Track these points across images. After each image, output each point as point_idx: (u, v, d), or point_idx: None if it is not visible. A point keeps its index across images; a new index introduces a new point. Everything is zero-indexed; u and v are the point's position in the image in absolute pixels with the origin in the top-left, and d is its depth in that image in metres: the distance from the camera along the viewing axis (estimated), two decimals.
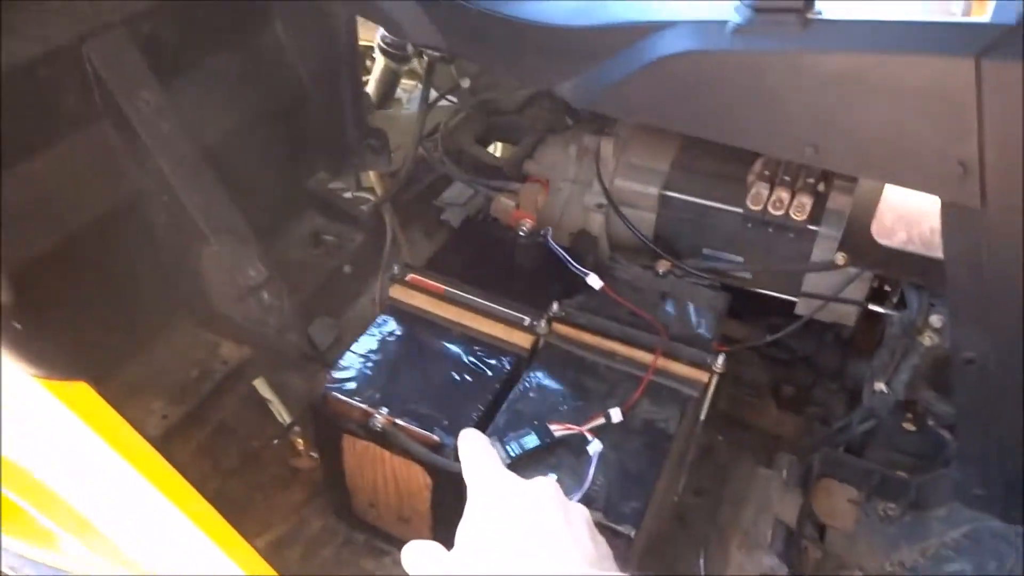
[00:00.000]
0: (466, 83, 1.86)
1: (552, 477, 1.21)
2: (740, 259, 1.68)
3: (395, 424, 1.30)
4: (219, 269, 1.47)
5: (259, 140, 1.67)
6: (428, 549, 0.69)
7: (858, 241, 1.46)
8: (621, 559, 1.21)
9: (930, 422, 1.62)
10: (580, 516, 0.71)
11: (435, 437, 1.29)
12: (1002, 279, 1.12)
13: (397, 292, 1.55)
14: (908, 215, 1.38)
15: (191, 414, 1.48)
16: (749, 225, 1.68)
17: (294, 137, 1.77)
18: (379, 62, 2.09)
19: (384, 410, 1.31)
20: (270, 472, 1.67)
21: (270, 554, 1.57)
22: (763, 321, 1.87)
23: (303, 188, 1.83)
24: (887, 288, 1.63)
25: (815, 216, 1.62)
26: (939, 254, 1.22)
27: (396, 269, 1.55)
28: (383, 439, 1.34)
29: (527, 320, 1.48)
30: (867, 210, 1.48)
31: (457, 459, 0.80)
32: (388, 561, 1.57)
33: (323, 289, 1.73)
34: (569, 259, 1.57)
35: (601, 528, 1.17)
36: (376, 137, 1.76)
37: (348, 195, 1.85)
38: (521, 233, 1.71)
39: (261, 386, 1.68)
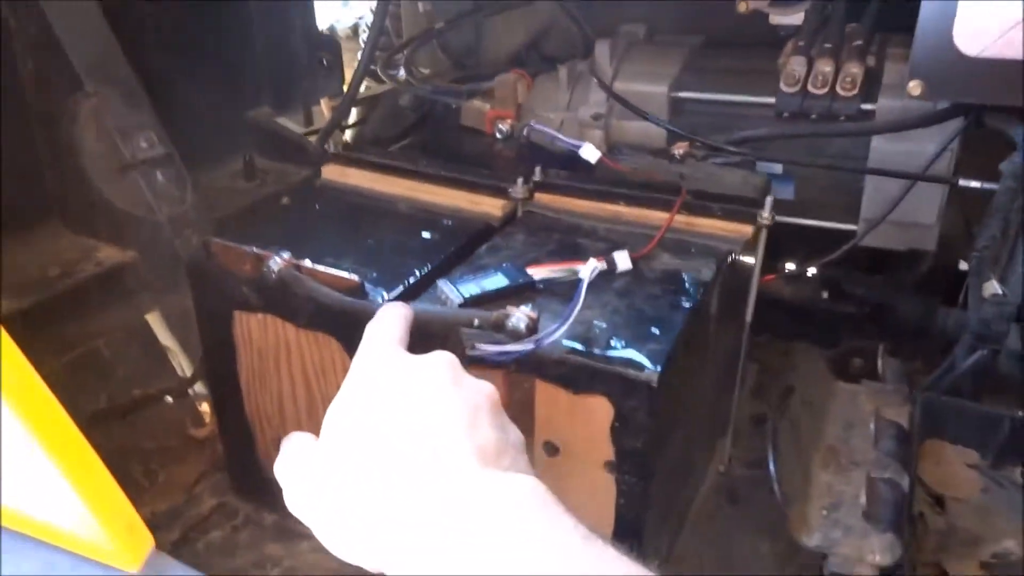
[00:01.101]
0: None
1: (526, 307, 0.79)
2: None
3: (297, 267, 0.89)
4: (98, 133, 1.13)
5: (191, 58, 1.39)
6: (297, 439, 0.57)
7: (935, 61, 1.10)
8: (640, 443, 0.75)
9: None
10: (484, 396, 0.55)
11: (353, 277, 0.87)
12: None
13: (330, 172, 1.18)
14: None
15: (37, 320, 1.07)
16: (784, 116, 1.33)
17: (233, 59, 1.50)
18: None
19: (285, 253, 0.91)
20: (157, 440, 1.22)
21: None
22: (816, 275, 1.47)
23: (242, 119, 1.52)
24: None
25: (869, 93, 1.28)
26: None
27: (331, 146, 1.20)
28: (282, 303, 0.92)
29: (500, 184, 1.10)
30: (943, 20, 1.12)
31: None
32: (304, 546, 1.08)
33: (249, 213, 1.36)
34: (559, 136, 1.21)
35: (606, 383, 0.73)
36: (329, 49, 1.48)
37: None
38: (498, 135, 1.37)
39: (158, 327, 1.27)
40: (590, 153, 1.16)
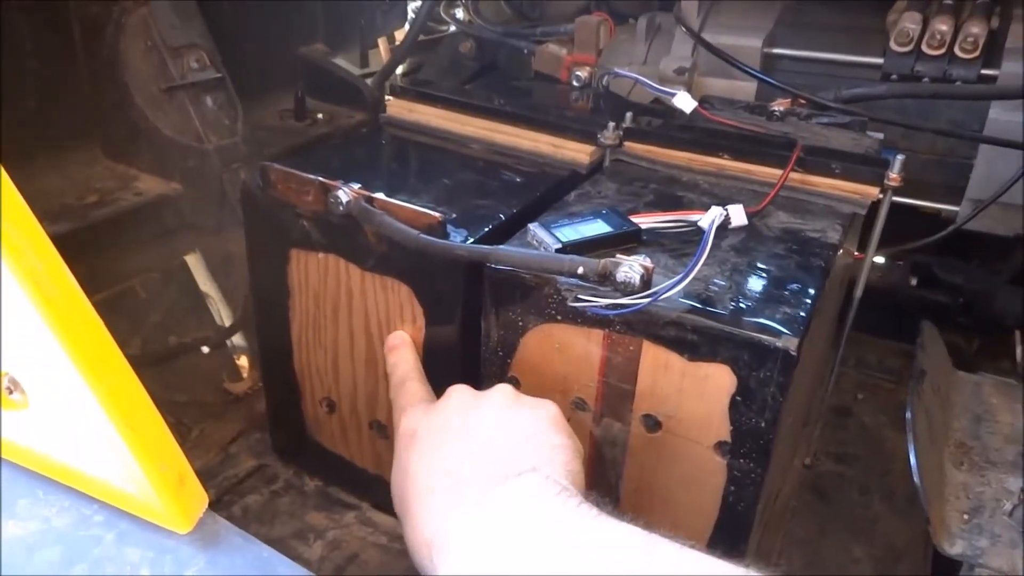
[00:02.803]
0: None
1: (639, 256, 0.67)
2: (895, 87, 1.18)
3: (369, 200, 0.78)
4: (145, 48, 1.03)
5: None
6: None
7: None
8: (765, 422, 0.64)
9: None
10: (541, 419, 0.64)
11: (435, 213, 0.76)
12: None
13: (395, 108, 1.07)
14: None
15: (67, 248, 0.97)
16: (893, 78, 1.21)
17: None
18: None
19: (355, 184, 0.80)
20: (191, 393, 1.12)
21: None
22: (906, 260, 1.35)
23: (294, 54, 1.41)
24: None
25: (990, 58, 1.16)
26: None
27: (398, 79, 1.09)
28: (348, 238, 0.81)
29: (587, 128, 0.98)
30: None
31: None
32: (350, 518, 0.98)
33: (306, 151, 1.25)
34: (649, 83, 1.09)
35: (731, 349, 0.62)
36: None
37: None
38: (575, 83, 1.25)
39: (197, 268, 1.17)
40: (685, 102, 1.04)
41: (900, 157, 0.88)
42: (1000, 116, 1.16)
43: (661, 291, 0.65)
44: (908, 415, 0.74)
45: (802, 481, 1.07)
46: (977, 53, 1.15)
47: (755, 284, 0.71)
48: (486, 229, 0.79)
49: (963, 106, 1.20)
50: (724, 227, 0.79)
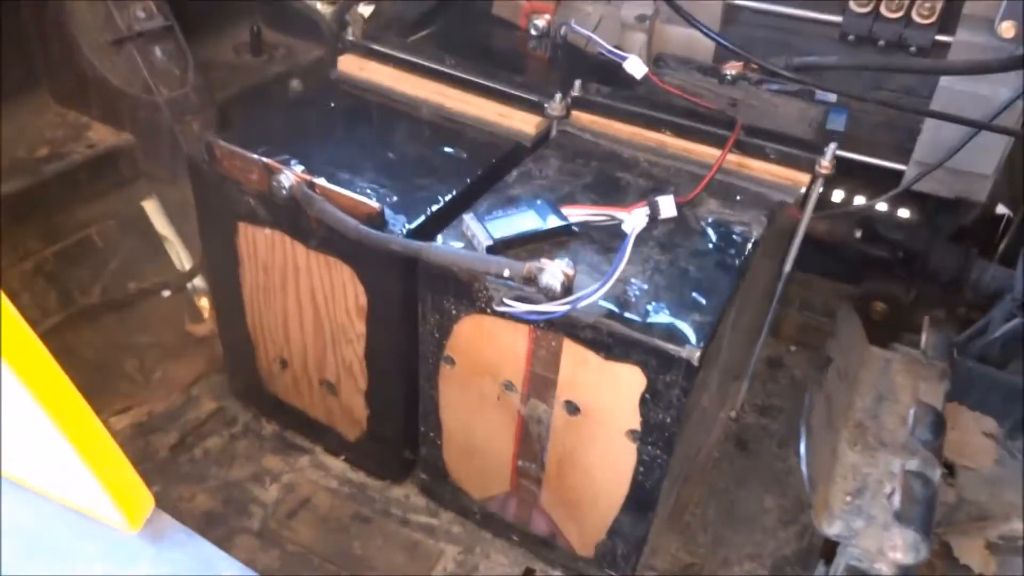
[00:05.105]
0: None
1: (561, 262, 0.71)
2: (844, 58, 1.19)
3: (311, 185, 0.81)
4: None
5: None
6: None
7: None
8: (670, 418, 0.71)
9: None
10: None
11: (373, 203, 0.79)
12: None
13: (347, 64, 1.07)
14: None
15: (22, 208, 0.99)
16: (851, 38, 1.21)
17: None
18: None
19: (297, 166, 0.82)
20: (153, 334, 1.16)
21: (131, 438, 1.06)
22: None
23: None
24: None
25: (947, 25, 1.16)
26: None
27: (350, 34, 1.08)
28: (292, 222, 0.84)
29: (534, 98, 0.99)
30: None
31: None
32: (304, 461, 1.05)
33: (257, 97, 1.25)
34: (602, 43, 1.08)
35: (641, 354, 0.68)
36: None
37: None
38: (533, 31, 1.24)
39: (154, 212, 1.19)
40: (636, 67, 1.05)
41: (832, 147, 0.91)
42: (949, 84, 1.17)
43: (578, 300, 0.69)
44: (806, 403, 0.80)
45: (727, 433, 1.15)
46: (933, 19, 1.14)
47: (672, 287, 0.75)
48: (423, 216, 0.82)
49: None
50: (655, 218, 0.83)
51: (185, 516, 0.97)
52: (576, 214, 0.81)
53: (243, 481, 1.02)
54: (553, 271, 0.70)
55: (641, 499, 0.80)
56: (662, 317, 0.71)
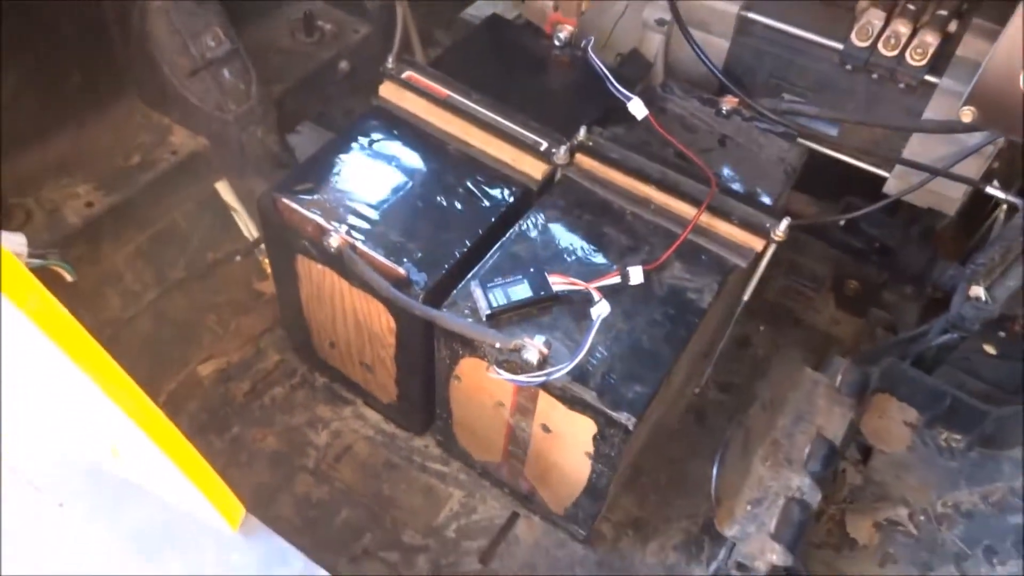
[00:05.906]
0: None
1: (540, 339, 0.94)
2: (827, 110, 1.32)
3: (353, 248, 1.03)
4: (169, 31, 1.17)
5: None
6: None
7: (995, 96, 1.09)
8: (614, 454, 0.98)
9: None
10: None
11: (400, 270, 1.02)
12: None
13: (388, 91, 1.23)
14: None
15: (124, 208, 1.22)
16: (848, 67, 1.31)
17: None
18: None
19: (342, 228, 1.03)
20: (228, 294, 1.43)
21: (215, 384, 1.36)
22: (840, 201, 1.54)
23: None
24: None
25: (937, 65, 1.25)
26: None
27: (390, 63, 1.23)
28: (339, 265, 1.07)
29: (544, 145, 1.16)
30: (1013, 60, 1.10)
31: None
32: (348, 412, 1.35)
33: (311, 85, 1.41)
34: (611, 78, 1.23)
35: (594, 413, 0.91)
36: None
37: None
38: (556, 42, 1.36)
39: (225, 192, 1.41)
40: (638, 109, 1.20)
41: (786, 220, 1.08)
42: (934, 115, 1.29)
43: (550, 374, 0.93)
44: (725, 437, 1.04)
45: (689, 407, 1.40)
46: (925, 62, 1.24)
47: (624, 357, 0.97)
48: (441, 274, 1.04)
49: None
50: (624, 284, 1.03)
51: (258, 455, 1.29)
52: (559, 283, 1.02)
53: (301, 426, 1.32)
54: (532, 349, 0.93)
55: (594, 492, 1.07)
56: (612, 386, 0.95)
